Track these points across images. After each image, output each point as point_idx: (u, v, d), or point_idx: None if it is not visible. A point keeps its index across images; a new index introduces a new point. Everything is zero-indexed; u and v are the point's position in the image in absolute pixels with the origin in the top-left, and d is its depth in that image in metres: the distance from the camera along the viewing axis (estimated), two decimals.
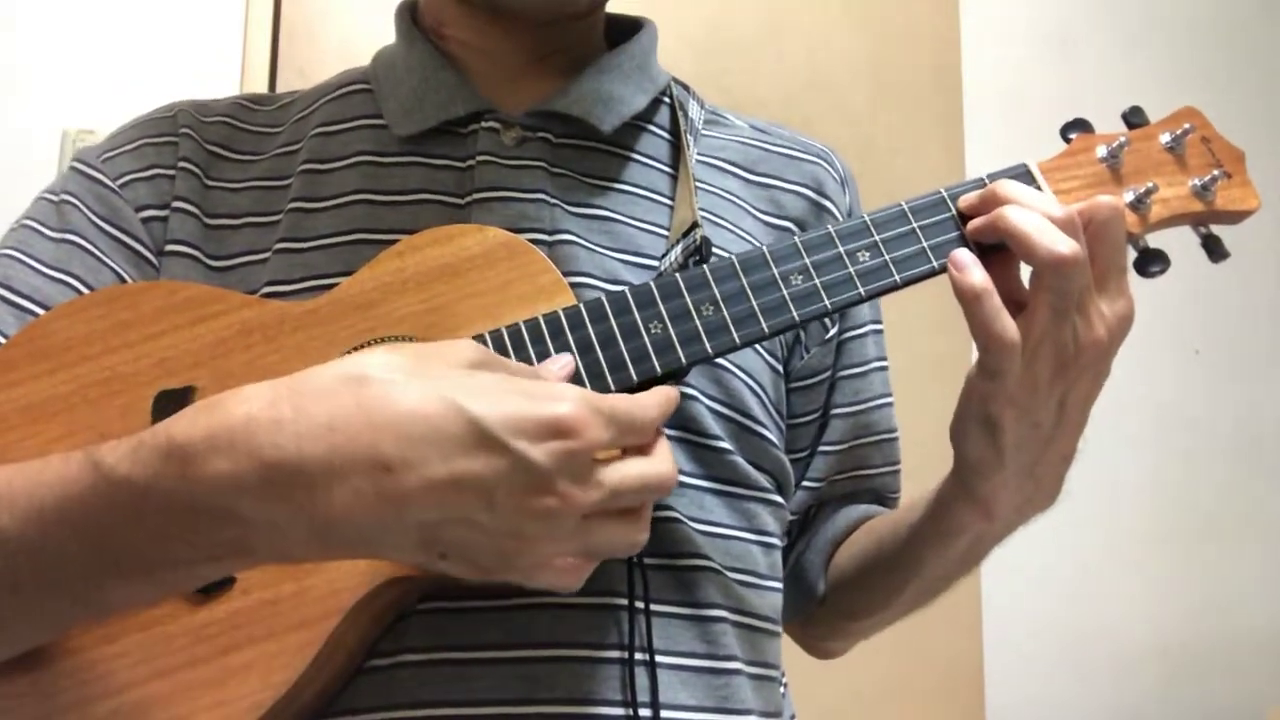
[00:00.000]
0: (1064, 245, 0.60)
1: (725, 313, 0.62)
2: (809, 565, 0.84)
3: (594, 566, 0.54)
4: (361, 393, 0.49)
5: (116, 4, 1.81)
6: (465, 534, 0.50)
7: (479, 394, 0.50)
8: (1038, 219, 0.61)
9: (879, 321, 0.88)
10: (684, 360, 0.61)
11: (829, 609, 0.85)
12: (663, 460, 0.55)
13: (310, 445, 0.48)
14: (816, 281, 0.64)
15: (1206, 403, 2.00)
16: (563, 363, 0.59)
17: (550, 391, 0.52)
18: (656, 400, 0.56)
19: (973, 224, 0.64)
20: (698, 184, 0.77)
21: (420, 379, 0.50)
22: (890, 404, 0.87)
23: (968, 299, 0.61)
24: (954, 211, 0.66)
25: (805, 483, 0.83)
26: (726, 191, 0.79)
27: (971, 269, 0.61)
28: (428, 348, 0.53)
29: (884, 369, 0.87)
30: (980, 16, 2.06)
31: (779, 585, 0.76)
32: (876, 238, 0.65)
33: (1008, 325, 0.60)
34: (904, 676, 1.81)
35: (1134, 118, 0.72)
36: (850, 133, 1.90)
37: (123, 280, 0.71)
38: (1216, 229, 0.71)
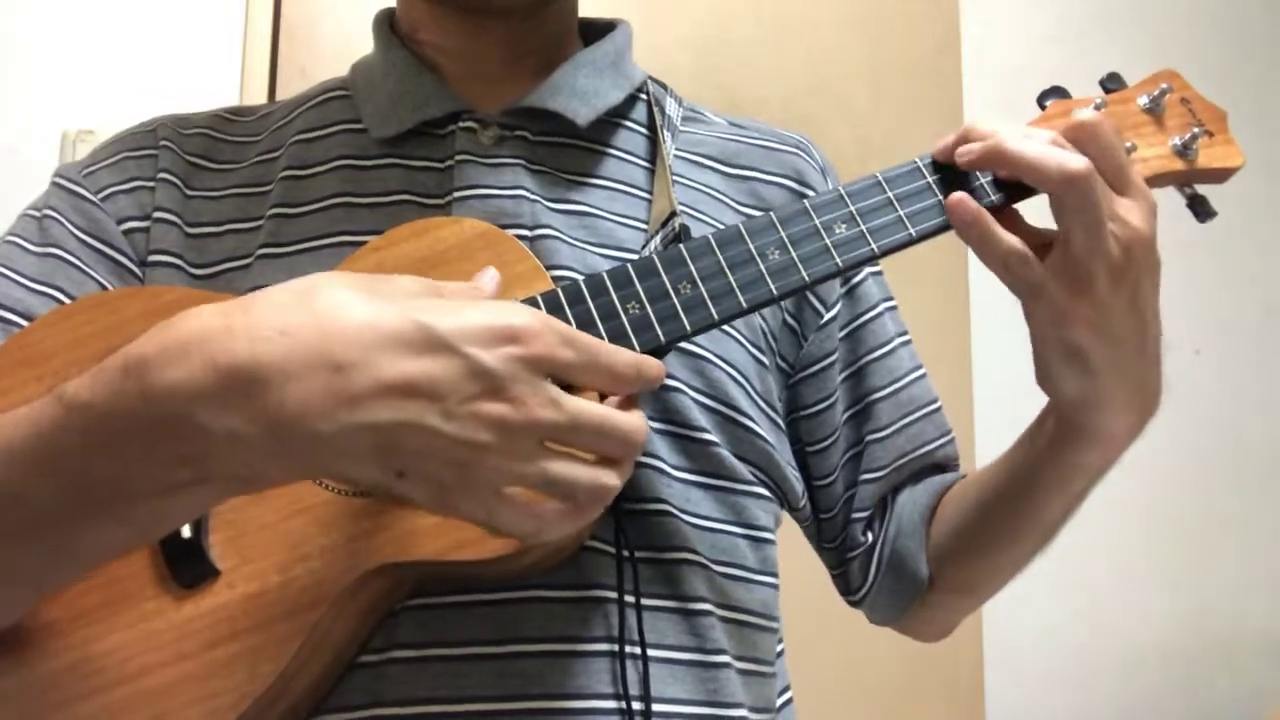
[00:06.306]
0: (1074, 161, 0.60)
1: (703, 289, 0.62)
2: (907, 552, 0.82)
3: (566, 515, 0.53)
4: (314, 303, 0.50)
5: (116, 4, 1.82)
6: (419, 442, 0.50)
7: (431, 308, 0.51)
8: (1036, 145, 0.61)
9: (891, 299, 0.87)
10: (663, 338, 0.61)
11: (941, 590, 0.83)
12: (633, 414, 0.55)
13: (263, 347, 0.49)
14: (793, 254, 0.63)
15: (1206, 403, 1.97)
16: (489, 275, 0.60)
17: (505, 305, 0.53)
18: (633, 356, 0.56)
19: (964, 151, 0.64)
20: (676, 178, 0.77)
21: (372, 295, 0.51)
22: (924, 375, 0.86)
23: (967, 228, 0.62)
24: (929, 179, 0.65)
25: (866, 475, 0.82)
26: (705, 186, 0.79)
27: (965, 200, 0.62)
28: (379, 275, 0.55)
29: (908, 343, 0.86)
30: (980, 16, 2.06)
31: (772, 580, 0.75)
32: (852, 208, 0.65)
33: (1007, 239, 0.61)
34: (905, 681, 1.79)
35: (1111, 83, 0.71)
36: (850, 133, 1.90)
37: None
38: (1202, 189, 0.70)
